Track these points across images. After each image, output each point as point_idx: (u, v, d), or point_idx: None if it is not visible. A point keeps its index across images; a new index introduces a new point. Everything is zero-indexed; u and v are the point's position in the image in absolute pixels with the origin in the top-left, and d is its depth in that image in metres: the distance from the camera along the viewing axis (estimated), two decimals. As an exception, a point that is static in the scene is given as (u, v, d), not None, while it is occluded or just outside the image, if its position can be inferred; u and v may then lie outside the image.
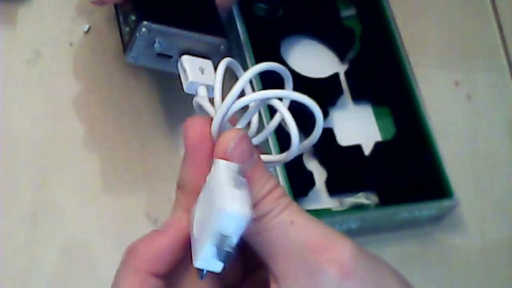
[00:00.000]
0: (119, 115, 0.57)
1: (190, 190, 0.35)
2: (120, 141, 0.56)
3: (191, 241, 0.34)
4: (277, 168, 0.54)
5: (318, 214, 0.56)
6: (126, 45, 0.50)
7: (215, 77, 0.36)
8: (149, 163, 0.56)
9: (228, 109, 0.34)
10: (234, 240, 0.32)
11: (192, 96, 0.48)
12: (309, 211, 0.55)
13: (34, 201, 0.53)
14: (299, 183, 0.55)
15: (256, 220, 0.33)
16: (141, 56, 0.50)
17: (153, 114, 0.57)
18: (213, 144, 0.35)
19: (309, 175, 0.57)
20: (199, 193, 0.34)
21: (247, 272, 0.38)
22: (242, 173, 0.34)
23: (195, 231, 0.34)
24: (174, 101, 0.58)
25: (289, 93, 0.37)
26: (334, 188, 0.57)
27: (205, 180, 0.34)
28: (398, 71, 0.62)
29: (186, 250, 0.34)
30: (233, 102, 0.34)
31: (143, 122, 0.57)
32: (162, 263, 0.34)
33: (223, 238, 0.32)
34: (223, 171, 0.33)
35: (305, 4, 0.63)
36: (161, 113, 0.58)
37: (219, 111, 0.35)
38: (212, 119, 0.35)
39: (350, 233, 0.56)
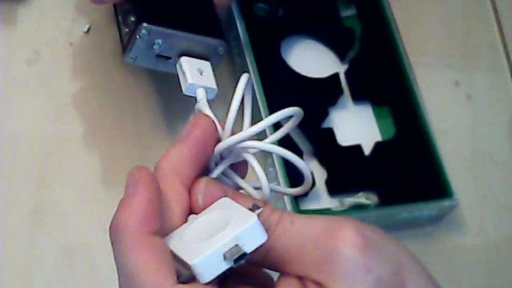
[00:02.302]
0: (119, 115, 0.57)
1: (172, 173, 0.36)
2: (120, 141, 0.56)
3: (178, 246, 0.34)
4: (277, 168, 0.55)
5: (318, 214, 0.56)
6: (125, 46, 0.50)
7: (231, 101, 0.37)
8: (149, 163, 0.56)
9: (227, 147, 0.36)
10: (245, 252, 0.33)
11: (191, 97, 0.48)
12: (309, 211, 0.56)
13: (34, 201, 0.53)
14: (299, 183, 0.55)
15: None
16: (140, 57, 0.50)
17: (153, 114, 0.57)
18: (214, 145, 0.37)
19: (309, 175, 0.57)
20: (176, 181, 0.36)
21: None
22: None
23: (194, 238, 0.34)
24: (174, 101, 0.58)
25: (278, 150, 0.38)
26: (334, 188, 0.57)
27: (192, 173, 0.36)
28: (398, 71, 0.62)
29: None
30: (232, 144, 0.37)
31: (143, 122, 0.57)
32: (154, 219, 0.34)
33: (235, 248, 0.33)
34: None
35: (305, 4, 0.63)
36: (161, 113, 0.58)
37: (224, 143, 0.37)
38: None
39: (350, 233, 0.56)
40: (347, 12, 0.64)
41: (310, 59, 0.62)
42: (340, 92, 0.61)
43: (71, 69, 0.57)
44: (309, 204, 0.56)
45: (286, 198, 0.54)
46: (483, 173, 0.63)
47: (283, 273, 0.35)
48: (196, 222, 0.35)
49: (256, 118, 0.58)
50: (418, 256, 0.57)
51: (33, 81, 0.56)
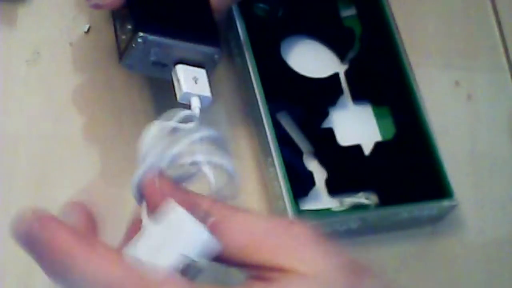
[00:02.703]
0: (119, 115, 0.57)
1: None
2: (120, 141, 0.56)
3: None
4: (277, 168, 0.54)
5: (318, 214, 0.56)
6: (121, 53, 0.50)
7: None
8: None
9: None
10: (195, 260, 0.35)
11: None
12: (309, 211, 0.56)
13: (34, 201, 0.53)
14: (299, 183, 0.55)
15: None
16: (136, 64, 0.50)
17: (153, 114, 0.57)
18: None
19: (309, 175, 0.57)
20: None
21: None
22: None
23: (146, 257, 0.36)
24: (174, 101, 0.58)
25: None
26: (334, 188, 0.57)
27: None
28: (398, 71, 0.62)
29: None
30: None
31: (143, 122, 0.57)
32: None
33: (185, 258, 0.35)
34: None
35: (305, 4, 0.63)
36: (161, 113, 0.58)
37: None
38: None
39: (350, 233, 0.56)
40: (347, 12, 0.64)
41: (310, 59, 0.62)
42: (340, 92, 0.61)
43: (71, 69, 0.57)
44: (309, 204, 0.56)
45: (286, 199, 0.54)
46: (483, 173, 0.63)
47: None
48: (146, 234, 0.37)
49: (256, 118, 0.58)
50: (418, 256, 0.57)
51: (33, 81, 0.56)
